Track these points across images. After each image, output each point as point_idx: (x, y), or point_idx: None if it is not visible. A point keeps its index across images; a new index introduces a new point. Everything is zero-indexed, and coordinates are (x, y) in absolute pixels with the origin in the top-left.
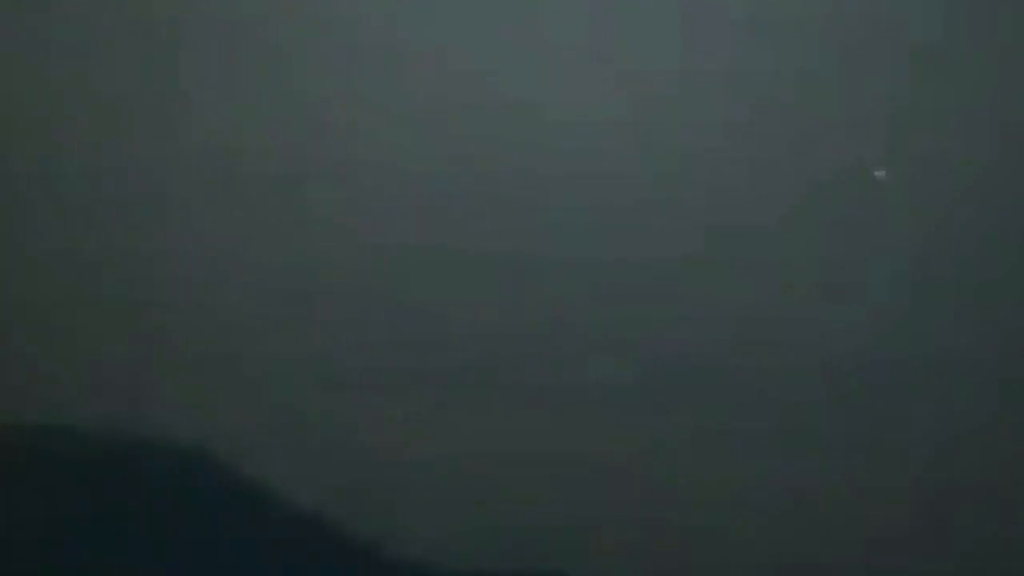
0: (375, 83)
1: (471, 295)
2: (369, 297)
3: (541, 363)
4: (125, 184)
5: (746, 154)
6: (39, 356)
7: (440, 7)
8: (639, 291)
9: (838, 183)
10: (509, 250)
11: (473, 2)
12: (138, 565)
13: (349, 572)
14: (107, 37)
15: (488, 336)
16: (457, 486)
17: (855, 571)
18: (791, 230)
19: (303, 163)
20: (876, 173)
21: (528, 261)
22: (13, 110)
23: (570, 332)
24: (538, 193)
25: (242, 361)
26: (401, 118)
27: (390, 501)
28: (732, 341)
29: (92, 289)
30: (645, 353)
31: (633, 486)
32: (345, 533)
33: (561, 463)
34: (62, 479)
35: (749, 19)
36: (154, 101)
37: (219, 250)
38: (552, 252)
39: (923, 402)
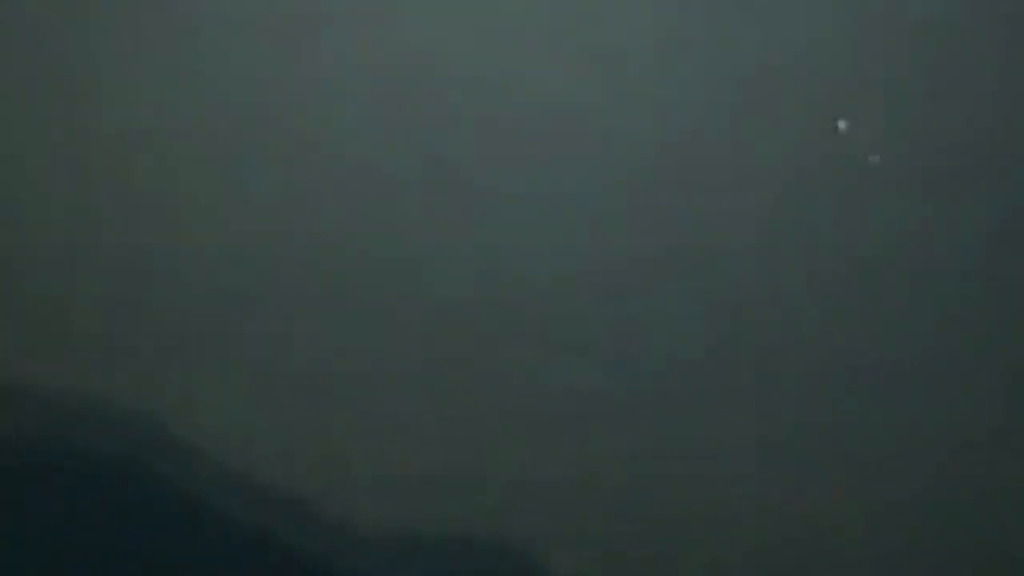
0: (319, 57)
1: (426, 292)
2: (314, 293)
3: (505, 366)
4: (37, 171)
5: (729, 137)
6: None
7: None
8: (610, 286)
9: (829, 169)
10: (468, 242)
11: None
12: None
13: None
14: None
15: (445, 337)
16: (416, 499)
17: None
18: (778, 220)
19: (239, 145)
20: (871, 158)
21: (490, 254)
22: None
23: (535, 332)
24: (500, 179)
25: (175, 365)
26: (348, 96)
27: (342, 516)
28: (714, 341)
29: (6, 287)
30: (617, 354)
31: (606, 499)
32: (293, 551)
33: (528, 474)
34: None
35: None
36: (68, 75)
37: (146, 242)
38: (516, 245)
39: (923, 407)
